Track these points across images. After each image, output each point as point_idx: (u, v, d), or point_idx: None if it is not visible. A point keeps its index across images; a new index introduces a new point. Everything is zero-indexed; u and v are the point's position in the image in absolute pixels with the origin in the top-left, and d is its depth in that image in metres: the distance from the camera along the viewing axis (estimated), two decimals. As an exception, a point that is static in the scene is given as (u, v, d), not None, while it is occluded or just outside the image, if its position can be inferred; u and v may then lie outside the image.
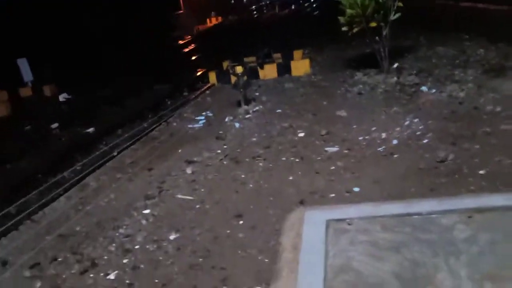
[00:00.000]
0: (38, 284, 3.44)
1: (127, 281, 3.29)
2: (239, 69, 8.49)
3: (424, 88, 6.87)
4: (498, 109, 5.49)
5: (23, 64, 12.17)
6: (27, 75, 12.25)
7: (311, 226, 3.53)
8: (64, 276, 3.47)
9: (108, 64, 13.29)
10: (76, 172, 5.58)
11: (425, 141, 4.94)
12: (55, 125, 8.01)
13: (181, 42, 20.26)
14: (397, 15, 7.61)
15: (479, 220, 3.21)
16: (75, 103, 10.15)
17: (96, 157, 6.03)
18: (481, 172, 4.02)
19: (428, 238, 3.14)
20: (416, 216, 3.43)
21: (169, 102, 9.01)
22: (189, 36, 22.26)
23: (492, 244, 2.92)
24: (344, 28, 7.97)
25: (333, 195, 4.08)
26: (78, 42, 14.01)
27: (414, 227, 3.30)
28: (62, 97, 10.41)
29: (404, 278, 2.78)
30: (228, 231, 3.74)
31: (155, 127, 7.16)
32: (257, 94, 8.15)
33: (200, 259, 3.42)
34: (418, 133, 5.19)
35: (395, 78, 7.59)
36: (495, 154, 4.30)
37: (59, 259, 3.70)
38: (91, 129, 7.36)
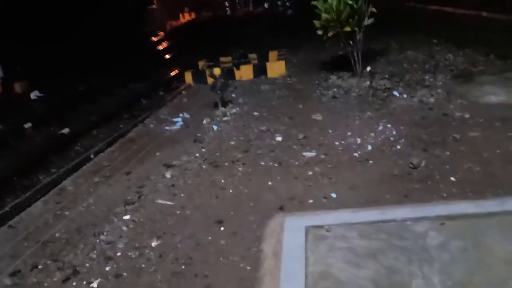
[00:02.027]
0: (19, 293, 3.42)
1: (110, 290, 3.32)
2: (216, 70, 8.52)
3: (396, 93, 7.10)
4: (467, 115, 5.75)
5: (-8, 61, 11.79)
6: (-3, 71, 11.87)
7: (291, 233, 3.63)
8: (46, 284, 3.45)
9: (79, 61, 13.02)
10: (52, 175, 5.49)
11: (398, 147, 5.13)
12: (28, 124, 7.84)
13: (154, 38, 20.00)
14: (371, 20, 7.81)
15: (451, 227, 3.40)
16: (48, 101, 9.93)
17: (72, 160, 5.95)
18: (452, 178, 4.23)
19: (403, 245, 3.29)
20: (391, 223, 3.58)
21: (144, 102, 8.95)
22: (162, 33, 22.01)
23: (463, 251, 3.10)
24: (319, 32, 8.11)
25: (311, 201, 4.20)
26: (48, 37, 13.67)
27: (389, 234, 3.45)
28: (33, 95, 10.15)
29: (381, 285, 2.92)
30: (210, 238, 3.81)
31: (131, 129, 7.11)
32: (234, 95, 8.20)
33: (183, 267, 3.47)
34: (391, 138, 5.38)
35: (368, 82, 7.80)
36: (465, 161, 4.53)
37: (40, 267, 3.68)
38: (65, 130, 7.24)
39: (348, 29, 7.84)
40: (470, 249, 3.11)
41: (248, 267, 3.36)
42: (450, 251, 3.12)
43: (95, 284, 3.38)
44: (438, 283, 2.82)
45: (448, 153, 4.78)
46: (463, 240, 3.21)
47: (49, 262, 3.73)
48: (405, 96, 6.92)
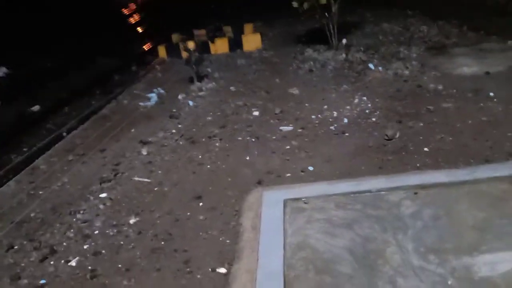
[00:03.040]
0: (-4, 274, 3.37)
1: (89, 267, 3.30)
2: (190, 44, 8.36)
3: (371, 66, 7.14)
4: (440, 87, 5.85)
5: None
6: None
7: (269, 206, 3.67)
8: (23, 264, 3.42)
9: (47, 35, 12.49)
10: (24, 154, 5.35)
11: (373, 119, 5.19)
12: (-5, 102, 7.55)
13: (125, 11, 19.37)
14: (347, -8, 7.76)
15: (424, 196, 3.49)
16: (16, 78, 9.54)
17: (44, 138, 5.79)
18: (425, 149, 4.32)
19: (377, 214, 3.37)
20: (366, 194, 3.66)
21: (116, 78, 8.71)
22: (133, 4, 21.32)
23: (435, 219, 3.20)
24: (294, 5, 8.02)
25: (289, 174, 4.24)
26: (13, 10, 13.04)
27: (364, 204, 3.53)
28: (1, 72, 9.75)
29: (356, 253, 3.00)
30: (189, 213, 3.82)
31: (104, 105, 6.96)
32: (209, 70, 8.10)
33: (162, 243, 3.48)
34: (367, 111, 5.44)
35: (344, 55, 7.82)
36: (438, 131, 4.63)
37: (16, 247, 3.63)
38: (36, 107, 7.02)
39: (323, 1, 7.76)
40: (442, 217, 3.22)
41: (228, 241, 3.39)
42: (423, 219, 3.22)
43: (73, 263, 3.36)
44: (411, 250, 2.91)
45: (421, 124, 4.86)
46: (435, 209, 3.31)
47: (25, 242, 3.69)
48: (380, 68, 6.97)
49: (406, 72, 6.68)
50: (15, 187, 4.69)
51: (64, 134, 5.94)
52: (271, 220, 3.48)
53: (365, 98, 5.84)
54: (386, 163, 4.20)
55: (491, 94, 5.35)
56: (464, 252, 2.84)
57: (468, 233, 3.02)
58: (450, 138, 4.46)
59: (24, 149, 5.58)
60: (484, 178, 3.59)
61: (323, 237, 3.22)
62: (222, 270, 3.08)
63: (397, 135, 4.66)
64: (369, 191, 3.68)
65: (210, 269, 3.11)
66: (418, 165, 4.04)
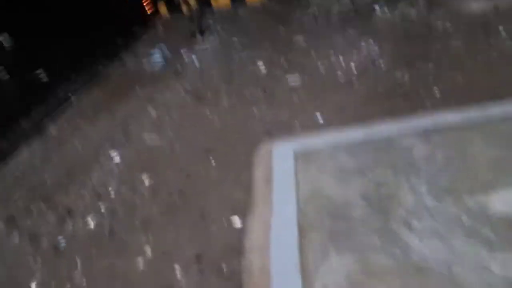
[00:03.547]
0: (16, 236, 3.47)
1: (107, 226, 3.38)
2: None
3: (376, 8, 6.90)
4: (448, 25, 5.66)
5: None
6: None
7: (280, 158, 3.67)
8: (41, 227, 3.51)
9: (47, 3, 12.20)
10: (34, 121, 5.37)
11: (381, 64, 5.07)
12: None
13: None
14: None
15: (436, 138, 3.45)
16: (18, 45, 9.44)
17: (53, 103, 5.79)
18: (436, 90, 4.24)
19: (390, 159, 3.36)
20: (378, 139, 3.63)
21: (119, 40, 8.56)
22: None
23: (448, 161, 3.17)
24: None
25: (298, 125, 4.20)
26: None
27: (376, 150, 3.50)
28: (2, 38, 9.63)
29: (370, 198, 3.01)
30: (200, 169, 3.84)
31: (109, 67, 6.88)
32: (211, 24, 7.90)
33: (176, 199, 3.53)
34: (374, 56, 5.30)
35: (349, -1, 7.56)
36: (447, 71, 4.52)
37: (33, 211, 3.72)
38: (41, 73, 6.97)
39: None
40: (456, 158, 3.19)
41: (241, 194, 3.42)
42: (436, 162, 3.19)
43: (91, 222, 3.44)
44: (425, 192, 2.91)
45: (431, 65, 4.75)
46: (448, 151, 3.28)
47: (42, 204, 3.77)
48: (386, 10, 6.74)
49: (413, 12, 6.46)
50: (28, 154, 4.74)
51: (72, 98, 5.92)
52: (283, 171, 3.49)
53: (372, 42, 5.68)
54: (397, 107, 4.12)
55: (500, 28, 5.17)
56: (478, 190, 2.83)
57: (482, 172, 3.00)
58: (460, 77, 4.36)
59: (34, 116, 5.59)
60: (497, 116, 3.53)
61: (336, 185, 3.23)
62: (237, 222, 3.13)
63: (406, 78, 4.56)
64: (380, 137, 3.65)
65: (225, 222, 3.16)
66: (429, 107, 3.98)
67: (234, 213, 3.23)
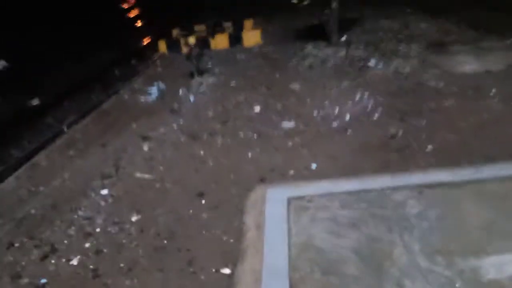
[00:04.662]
0: (-4, 272, 3.33)
1: (91, 266, 3.27)
2: (191, 39, 8.28)
3: (371, 63, 7.11)
4: (441, 84, 5.84)
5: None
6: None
7: (273, 205, 3.64)
8: (23, 263, 3.38)
9: (46, 29, 12.34)
10: (24, 150, 5.29)
11: (375, 117, 5.16)
12: (-6, 96, 7.46)
13: (124, 5, 19.17)
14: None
15: (428, 195, 3.48)
16: (14, 71, 9.43)
17: (44, 133, 5.73)
18: (429, 147, 4.31)
19: (383, 213, 3.35)
20: (371, 192, 3.64)
21: (117, 72, 8.63)
22: (132, -1, 21.10)
23: (441, 219, 3.18)
24: (294, 0, 7.97)
25: (292, 172, 4.21)
26: (10, 3, 12.87)
27: (369, 203, 3.50)
28: None
29: (362, 254, 2.98)
30: (191, 211, 3.78)
31: (105, 99, 6.89)
32: (209, 65, 8.03)
33: (165, 241, 3.45)
34: (369, 108, 5.41)
35: (344, 52, 7.78)
36: (440, 130, 4.62)
37: (16, 245, 3.59)
38: (35, 101, 6.93)
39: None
40: (448, 217, 3.20)
41: (231, 240, 3.36)
42: (428, 219, 3.20)
43: (75, 261, 3.33)
44: (418, 251, 2.90)
45: (424, 122, 4.85)
46: (440, 208, 3.30)
47: (25, 239, 3.65)
48: (380, 65, 6.94)
49: (407, 69, 6.66)
50: (15, 183, 4.64)
51: (65, 129, 5.87)
52: (275, 219, 3.46)
53: (366, 95, 5.81)
54: (390, 161, 4.18)
55: (492, 92, 5.34)
56: (471, 253, 2.83)
57: (474, 233, 3.01)
58: (453, 136, 4.45)
59: (24, 145, 5.51)
60: (488, 177, 3.58)
61: (328, 237, 3.20)
62: (226, 271, 3.05)
63: (400, 133, 4.64)
64: (374, 190, 3.65)
65: (214, 270, 3.08)
66: (422, 163, 4.03)
67: (224, 260, 3.16)
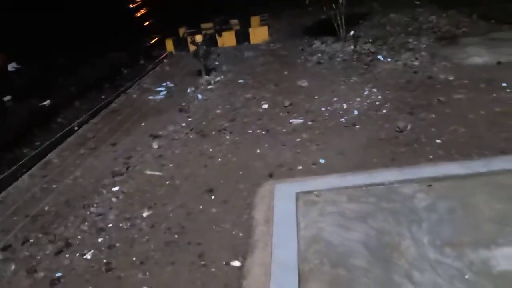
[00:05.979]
0: (12, 266, 3.40)
1: (104, 260, 3.32)
2: (198, 37, 8.33)
3: (380, 57, 7.08)
4: (451, 78, 5.79)
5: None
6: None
7: (282, 199, 3.67)
8: (38, 257, 3.45)
9: (55, 30, 12.49)
10: (37, 149, 5.38)
11: (384, 111, 5.15)
12: (7, 97, 7.59)
13: (132, 5, 19.29)
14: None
15: (438, 188, 3.47)
16: (26, 72, 9.58)
17: (56, 132, 5.83)
18: (438, 141, 4.29)
19: (391, 207, 3.36)
20: (379, 186, 3.64)
21: (125, 72, 8.73)
22: (140, -2, 21.22)
23: (450, 211, 3.18)
24: (301, -4, 7.98)
25: (300, 167, 4.22)
26: (22, 6, 13.03)
27: (378, 197, 3.51)
28: (11, 67, 9.76)
29: (371, 246, 2.99)
30: (201, 207, 3.82)
31: (114, 99, 6.97)
32: (217, 63, 8.08)
33: (176, 236, 3.49)
34: (377, 103, 5.39)
35: (352, 47, 7.76)
36: (450, 123, 4.58)
37: (31, 240, 3.67)
38: (47, 102, 7.05)
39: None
40: (458, 209, 3.19)
41: (241, 234, 3.39)
42: (438, 212, 3.20)
43: (88, 256, 3.39)
44: (427, 243, 2.90)
45: (433, 115, 4.82)
46: (450, 201, 3.29)
47: (40, 235, 3.73)
48: (389, 60, 6.91)
49: (416, 63, 6.62)
50: (29, 181, 4.73)
51: (76, 128, 5.96)
52: (284, 213, 3.48)
53: (375, 89, 5.80)
54: (399, 155, 4.17)
55: (504, 84, 5.29)
56: (481, 245, 2.82)
57: (485, 226, 3.00)
58: (463, 130, 4.42)
59: (37, 143, 5.62)
60: (499, 169, 3.56)
61: (337, 230, 3.21)
62: (236, 263, 3.09)
63: (409, 127, 4.62)
64: (382, 184, 3.66)
65: (224, 262, 3.11)
66: (431, 157, 4.01)
67: (234, 253, 3.19)
